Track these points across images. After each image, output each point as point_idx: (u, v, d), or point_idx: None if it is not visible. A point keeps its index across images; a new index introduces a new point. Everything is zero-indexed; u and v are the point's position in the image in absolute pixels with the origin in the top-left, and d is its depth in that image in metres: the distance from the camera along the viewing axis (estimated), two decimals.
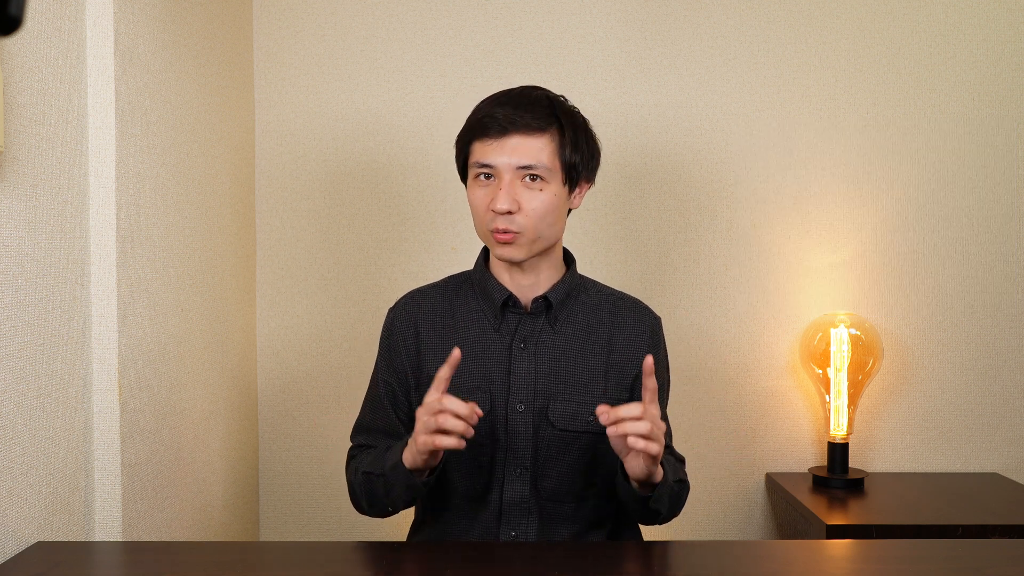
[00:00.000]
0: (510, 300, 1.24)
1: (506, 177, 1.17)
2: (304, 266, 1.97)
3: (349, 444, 1.33)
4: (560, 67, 1.95)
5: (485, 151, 1.18)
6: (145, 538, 1.30)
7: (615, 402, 1.22)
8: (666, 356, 1.32)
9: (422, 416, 1.05)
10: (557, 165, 1.18)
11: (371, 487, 1.18)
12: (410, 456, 1.10)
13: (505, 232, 1.17)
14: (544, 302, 1.24)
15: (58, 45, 1.11)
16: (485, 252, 1.30)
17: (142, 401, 1.29)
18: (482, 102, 1.23)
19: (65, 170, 1.13)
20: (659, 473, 1.10)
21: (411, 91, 1.95)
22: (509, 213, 1.16)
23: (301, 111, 1.95)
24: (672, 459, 1.23)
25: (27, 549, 1.02)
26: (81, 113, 1.18)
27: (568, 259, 1.30)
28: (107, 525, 1.21)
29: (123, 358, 1.22)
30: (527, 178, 1.17)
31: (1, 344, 0.99)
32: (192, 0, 1.53)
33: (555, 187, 1.19)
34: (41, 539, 1.06)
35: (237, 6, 1.82)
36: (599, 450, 1.22)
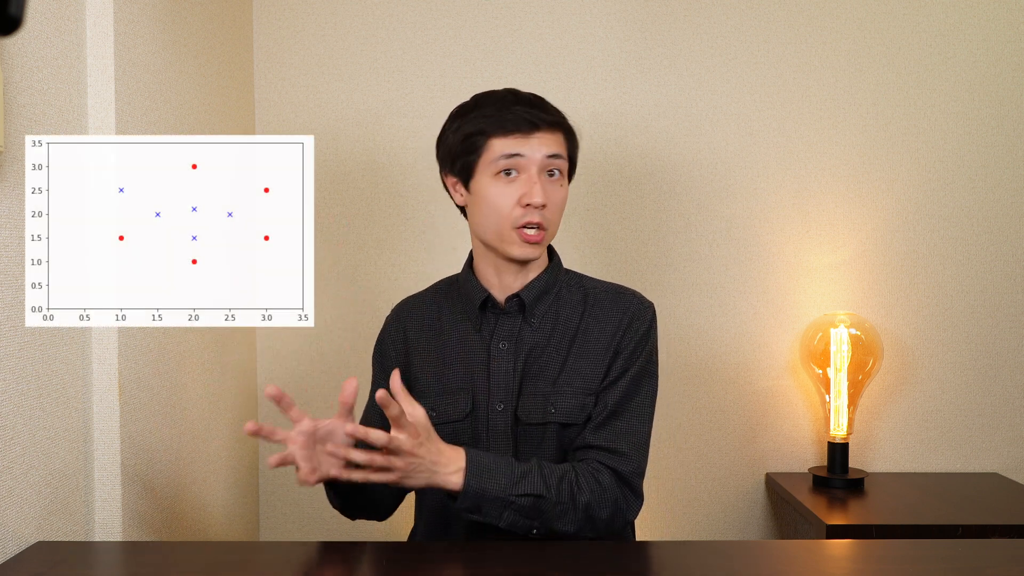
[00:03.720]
0: (488, 300, 1.24)
1: (534, 170, 1.17)
2: None
3: None
4: (560, 67, 1.95)
5: (512, 144, 1.17)
6: (145, 538, 1.29)
7: (587, 391, 1.19)
8: (646, 341, 1.23)
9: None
10: (567, 161, 1.23)
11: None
12: None
13: (538, 229, 1.17)
14: (518, 300, 1.23)
15: (58, 45, 1.11)
16: (471, 254, 1.30)
17: (142, 401, 1.29)
18: (483, 106, 1.20)
19: None
20: (451, 482, 1.06)
21: (411, 91, 1.95)
22: (543, 207, 1.17)
23: (301, 111, 1.95)
24: (556, 471, 1.12)
25: (27, 549, 1.02)
26: (81, 113, 1.18)
27: (550, 254, 1.29)
28: (107, 525, 1.21)
29: (123, 358, 1.22)
30: (546, 173, 1.18)
31: (1, 344, 0.99)
32: (192, 0, 1.53)
33: (566, 183, 1.23)
34: (41, 539, 1.06)
35: (237, 6, 1.82)
36: (564, 439, 1.20)
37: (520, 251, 1.18)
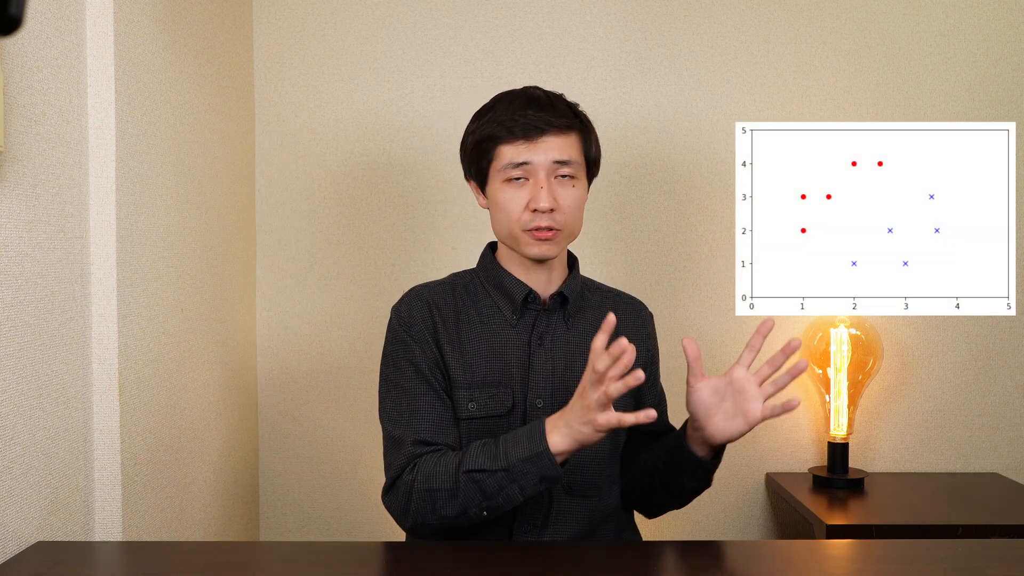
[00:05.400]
0: (529, 296, 1.24)
1: (542, 175, 1.18)
2: (304, 266, 1.96)
3: (377, 463, 1.29)
4: (560, 67, 1.95)
5: (519, 151, 1.18)
6: (145, 538, 1.29)
7: (624, 398, 1.22)
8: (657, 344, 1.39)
9: (592, 394, 1.00)
10: (583, 161, 1.22)
11: (479, 486, 1.09)
12: (569, 439, 1.05)
13: (548, 230, 1.18)
14: (559, 298, 1.25)
15: (58, 45, 1.11)
16: (491, 249, 1.30)
17: (142, 401, 1.29)
18: (496, 109, 1.21)
19: (65, 170, 1.13)
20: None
21: (411, 91, 1.95)
22: (551, 211, 1.17)
23: (301, 111, 1.95)
24: None
25: (27, 549, 1.02)
26: (81, 113, 1.18)
27: (571, 257, 1.31)
28: (107, 525, 1.21)
29: (123, 358, 1.22)
30: (558, 176, 1.19)
31: (1, 344, 0.99)
32: (192, 0, 1.53)
33: (583, 182, 1.23)
34: (41, 539, 1.06)
35: (237, 6, 1.82)
36: (615, 441, 1.25)
37: (535, 250, 1.19)
